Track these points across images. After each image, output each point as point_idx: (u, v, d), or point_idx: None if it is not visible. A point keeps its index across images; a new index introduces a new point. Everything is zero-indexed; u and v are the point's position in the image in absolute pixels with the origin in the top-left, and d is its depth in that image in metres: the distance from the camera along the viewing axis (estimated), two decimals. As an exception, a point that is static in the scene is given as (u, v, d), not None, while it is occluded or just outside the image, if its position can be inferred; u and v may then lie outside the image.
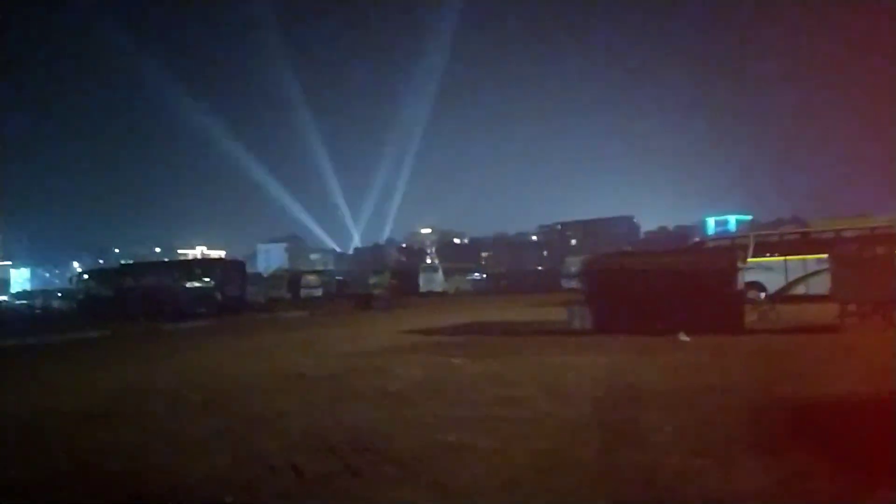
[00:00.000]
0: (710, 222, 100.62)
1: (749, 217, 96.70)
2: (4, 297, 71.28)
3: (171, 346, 14.84)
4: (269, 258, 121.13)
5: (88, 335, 18.97)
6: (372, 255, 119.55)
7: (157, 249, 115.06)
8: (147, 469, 4.72)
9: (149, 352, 14.03)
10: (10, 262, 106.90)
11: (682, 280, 12.41)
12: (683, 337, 11.30)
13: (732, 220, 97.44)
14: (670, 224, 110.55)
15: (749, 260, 20.41)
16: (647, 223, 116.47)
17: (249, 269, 54.94)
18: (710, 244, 22.71)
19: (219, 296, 26.37)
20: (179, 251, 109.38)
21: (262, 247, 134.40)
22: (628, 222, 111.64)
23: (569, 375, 8.11)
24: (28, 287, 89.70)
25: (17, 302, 60.64)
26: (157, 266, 31.16)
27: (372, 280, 40.72)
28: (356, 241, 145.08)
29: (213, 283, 26.71)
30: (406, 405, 6.62)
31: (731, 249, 19.12)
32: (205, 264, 32.21)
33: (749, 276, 19.38)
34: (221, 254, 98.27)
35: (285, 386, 8.20)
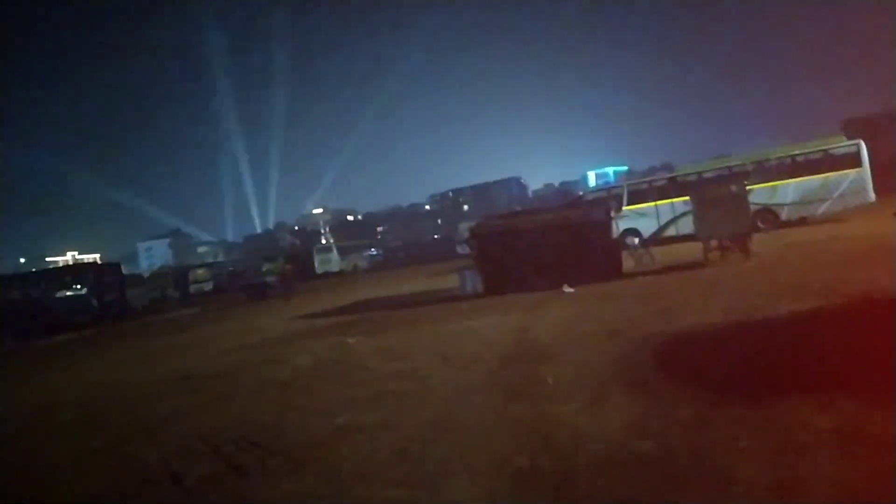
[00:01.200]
0: (591, 176, 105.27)
1: (626, 168, 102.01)
2: None
3: (41, 364, 13.68)
4: (152, 256, 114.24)
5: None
6: (264, 241, 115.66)
7: (22, 260, 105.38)
8: (16, 500, 4.33)
9: (14, 372, 12.87)
10: None
11: (562, 235, 12.92)
12: (567, 289, 11.82)
13: (611, 173, 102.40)
14: (556, 181, 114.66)
15: (624, 208, 21.66)
16: (535, 182, 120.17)
17: (132, 270, 51.56)
18: (589, 197, 23.77)
19: (95, 302, 24.52)
20: (48, 259, 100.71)
21: (142, 245, 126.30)
22: (516, 183, 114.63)
23: (461, 341, 8.27)
24: None
25: None
26: (21, 278, 28.44)
27: (265, 267, 39.40)
28: (250, 229, 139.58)
29: (86, 289, 24.78)
30: (297, 393, 6.48)
31: (605, 201, 20.11)
32: (75, 270, 29.68)
33: (625, 224, 20.60)
34: (95, 257, 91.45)
35: (168, 390, 7.79)
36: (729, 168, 20.97)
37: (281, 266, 37.45)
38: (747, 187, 13.99)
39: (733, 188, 13.23)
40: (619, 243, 14.04)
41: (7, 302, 25.47)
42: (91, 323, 23.53)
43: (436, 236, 77.67)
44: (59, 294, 24.86)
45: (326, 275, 44.20)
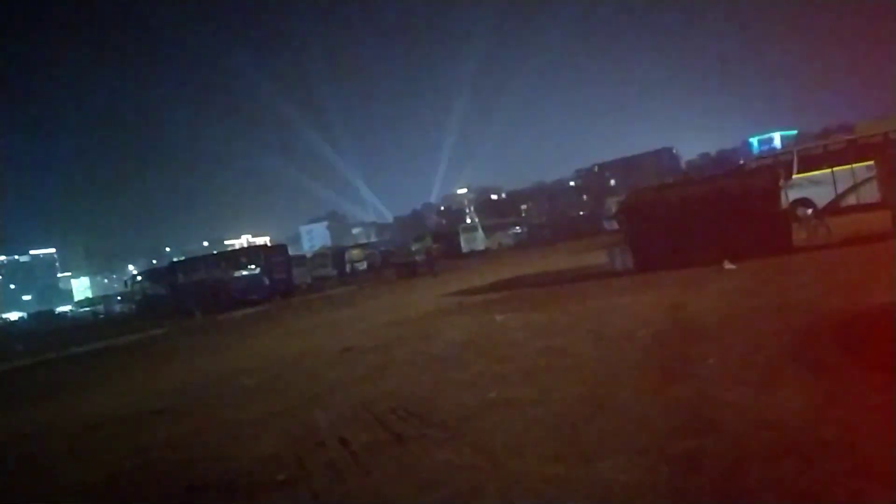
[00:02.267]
0: (754, 143, 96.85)
1: (794, 132, 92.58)
2: (69, 307, 74.59)
3: (224, 336, 15.31)
4: (313, 238, 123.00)
5: (148, 334, 19.73)
6: (412, 221, 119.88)
7: (206, 243, 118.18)
8: (203, 457, 4.92)
9: (204, 343, 14.51)
10: (69, 273, 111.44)
11: (722, 206, 12.04)
12: (728, 265, 11.03)
13: (777, 138, 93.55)
14: (712, 150, 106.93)
15: (794, 176, 19.69)
16: (689, 153, 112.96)
17: (295, 251, 55.89)
18: (752, 165, 21.88)
19: (266, 281, 26.96)
20: (226, 242, 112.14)
21: (304, 228, 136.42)
22: (668, 154, 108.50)
23: (611, 318, 8.04)
24: (89, 294, 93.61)
25: (81, 309, 63.43)
26: (205, 259, 31.95)
27: (414, 247, 40.90)
28: (391, 213, 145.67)
29: (259, 269, 27.28)
30: (450, 367, 6.68)
31: (771, 168, 18.41)
32: (250, 252, 32.85)
33: (795, 193, 18.73)
34: (266, 240, 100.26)
35: (334, 361, 8.38)
36: (921, 124, 18.26)
37: (428, 245, 38.69)
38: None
39: (930, 147, 11.53)
40: (789, 214, 12.81)
41: (195, 281, 28.78)
42: (264, 299, 25.90)
43: (581, 212, 75.92)
44: (237, 273, 27.61)
45: (472, 253, 44.94)
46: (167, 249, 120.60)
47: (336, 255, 50.26)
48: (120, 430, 6.50)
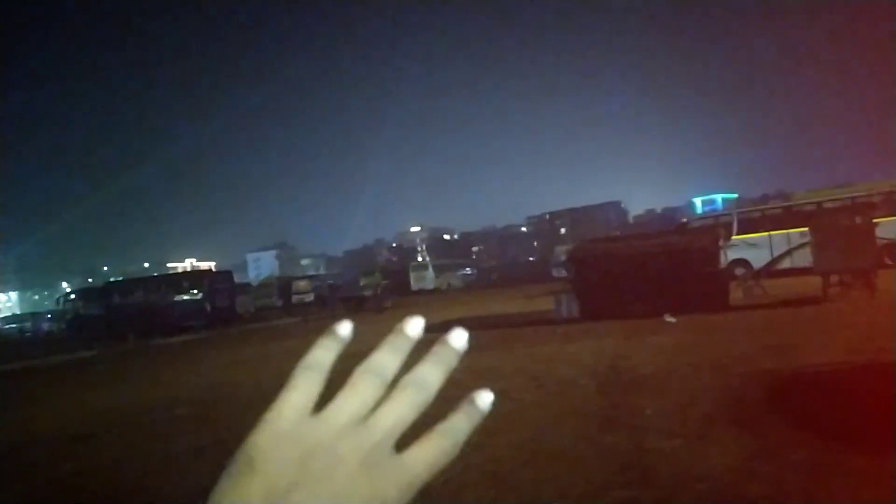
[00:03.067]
0: (698, 203, 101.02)
1: (735, 195, 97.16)
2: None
3: (159, 363, 14.75)
4: (260, 267, 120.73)
5: (76, 356, 18.82)
6: (362, 256, 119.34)
7: (146, 265, 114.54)
8: (126, 489, 4.68)
9: (136, 370, 13.93)
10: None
11: (665, 261, 12.46)
12: (669, 318, 11.36)
13: (719, 200, 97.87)
14: (658, 207, 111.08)
15: (734, 237, 20.59)
16: (636, 207, 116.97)
17: (241, 279, 54.68)
18: (695, 224, 22.80)
19: (208, 307, 26.22)
20: (169, 265, 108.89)
21: (251, 256, 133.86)
22: (616, 208, 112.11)
23: (556, 364, 8.14)
24: (17, 311, 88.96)
25: (6, 326, 60.07)
26: (144, 282, 30.89)
27: (363, 281, 40.62)
28: (348, 244, 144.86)
29: (201, 295, 26.54)
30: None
31: (713, 228, 19.24)
32: (192, 277, 31.95)
33: (734, 254, 19.57)
34: (211, 265, 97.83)
35: (272, 393, 8.15)
36: (851, 198, 19.49)
37: (377, 281, 38.49)
38: (874, 220, 12.94)
39: (858, 219, 12.28)
40: (727, 274, 13.36)
41: (131, 304, 27.73)
42: (204, 326, 25.12)
43: (531, 258, 77.11)
44: (176, 298, 26.78)
45: (421, 292, 44.91)
46: (105, 269, 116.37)
47: (283, 285, 49.32)
48: (38, 456, 6.14)
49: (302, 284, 49.81)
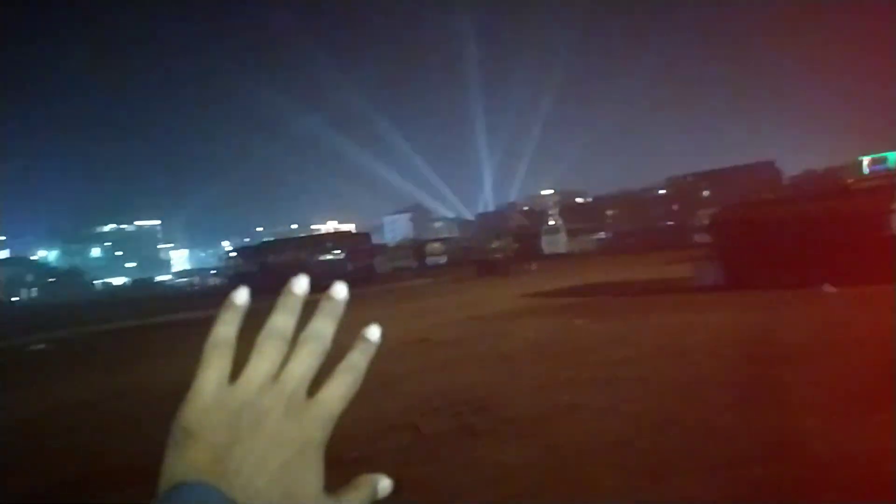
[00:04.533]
0: (865, 162, 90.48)
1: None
2: (168, 276, 79.52)
3: (303, 318, 15.92)
4: (396, 229, 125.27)
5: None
6: (495, 219, 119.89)
7: (294, 226, 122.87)
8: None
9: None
10: (171, 245, 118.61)
11: (825, 227, 11.39)
12: (829, 288, 10.44)
13: (892, 157, 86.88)
14: (819, 167, 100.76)
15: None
16: (793, 168, 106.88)
17: (378, 241, 57.20)
18: (862, 185, 20.50)
19: (349, 267, 27.78)
20: (313, 227, 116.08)
21: (387, 218, 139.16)
22: (769, 168, 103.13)
23: (691, 335, 7.81)
24: (187, 266, 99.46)
25: (178, 280, 67.52)
26: (293, 241, 33.29)
27: (494, 244, 40.95)
28: (481, 207, 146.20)
29: (343, 254, 28.15)
30: (524, 367, 6.72)
31: (884, 189, 17.20)
32: (335, 238, 33.95)
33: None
34: (351, 227, 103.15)
35: (409, 350, 8.58)
36: None
37: (509, 244, 38.59)
38: None
39: None
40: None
41: (282, 261, 30.05)
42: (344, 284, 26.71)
43: (670, 222, 73.46)
44: (321, 257, 28.61)
45: (553, 256, 44.45)
46: (259, 229, 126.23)
47: (417, 247, 51.03)
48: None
49: (435, 247, 51.28)
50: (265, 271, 30.86)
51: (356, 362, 0.43)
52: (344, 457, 4.26)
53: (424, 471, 3.84)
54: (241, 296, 0.43)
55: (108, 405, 7.07)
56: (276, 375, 0.41)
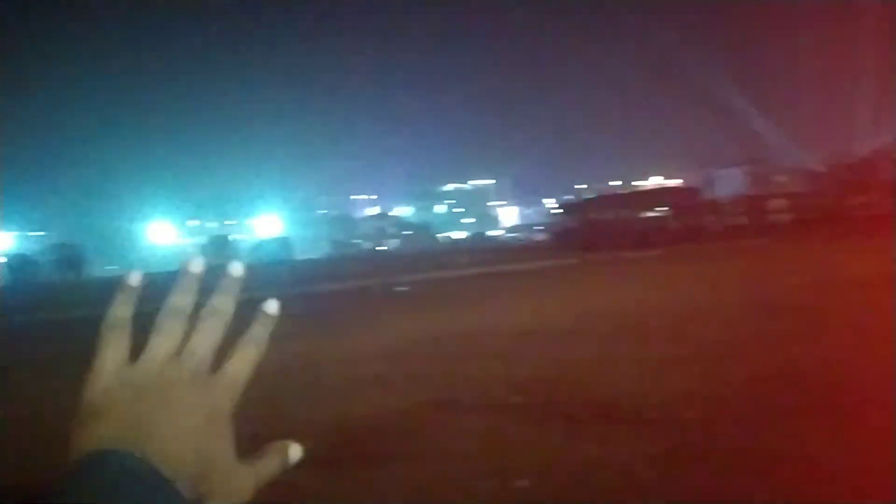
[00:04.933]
0: None
1: None
2: (499, 231, 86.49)
3: (628, 274, 15.79)
4: (728, 184, 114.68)
5: (561, 263, 21.65)
6: (857, 170, 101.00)
7: (617, 183, 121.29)
8: (611, 384, 5.30)
9: (608, 279, 15.22)
10: (503, 203, 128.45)
11: None
12: None
13: None
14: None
15: None
16: None
17: (710, 196, 53.09)
18: None
19: (674, 224, 26.58)
20: (634, 183, 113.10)
21: (718, 173, 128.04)
22: None
23: None
24: (515, 222, 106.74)
25: (507, 235, 73.02)
26: (616, 198, 33.12)
27: (854, 201, 34.69)
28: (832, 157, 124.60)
29: (667, 212, 27.03)
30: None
31: None
32: (659, 194, 32.75)
33: None
34: (678, 183, 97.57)
35: (746, 315, 7.92)
36: None
37: (876, 199, 32.22)
38: None
39: None
40: None
41: (604, 218, 30.18)
42: (670, 242, 25.67)
43: None
44: (644, 214, 27.93)
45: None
46: (581, 186, 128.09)
47: (752, 203, 46.04)
48: (546, 341, 7.38)
49: (776, 203, 45.55)
50: (587, 228, 31.43)
51: (258, 335, 0.44)
52: (682, 416, 4.20)
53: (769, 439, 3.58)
54: (135, 279, 0.44)
55: (460, 339, 7.97)
56: (180, 351, 0.42)
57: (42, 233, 63.75)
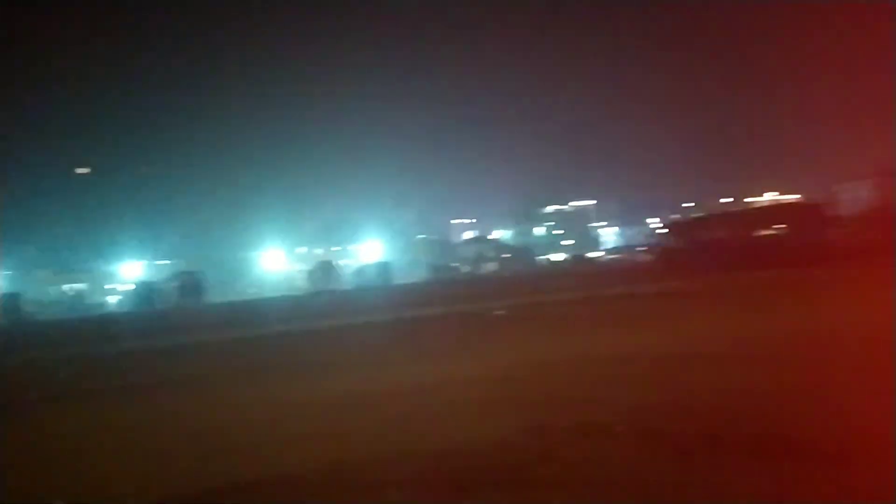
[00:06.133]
0: None
1: None
2: (601, 253, 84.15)
3: (748, 300, 14.65)
4: (856, 198, 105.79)
5: (670, 286, 20.47)
6: None
7: (727, 200, 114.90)
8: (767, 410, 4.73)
9: (731, 304, 14.11)
10: (604, 223, 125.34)
11: None
12: None
13: None
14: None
15: None
16: None
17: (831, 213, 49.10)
18: None
19: (795, 243, 24.60)
20: (747, 200, 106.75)
21: (842, 187, 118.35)
22: None
23: None
24: (618, 243, 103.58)
25: (609, 256, 70.93)
26: (727, 216, 31.24)
27: None
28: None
29: (785, 230, 25.09)
30: None
31: None
32: (775, 211, 30.54)
33: None
34: (796, 198, 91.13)
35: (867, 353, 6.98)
36: None
37: None
38: None
39: None
40: None
41: (715, 238, 28.51)
42: (788, 262, 23.73)
43: None
44: (759, 233, 26.08)
45: None
46: (691, 205, 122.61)
47: (884, 217, 41.99)
48: (653, 370, 6.83)
49: (913, 217, 41.31)
50: (695, 248, 29.72)
51: None
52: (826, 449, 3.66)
53: None
54: None
55: (559, 368, 7.59)
56: None
57: (168, 261, 68.96)
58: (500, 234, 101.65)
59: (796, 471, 3.50)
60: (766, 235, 25.94)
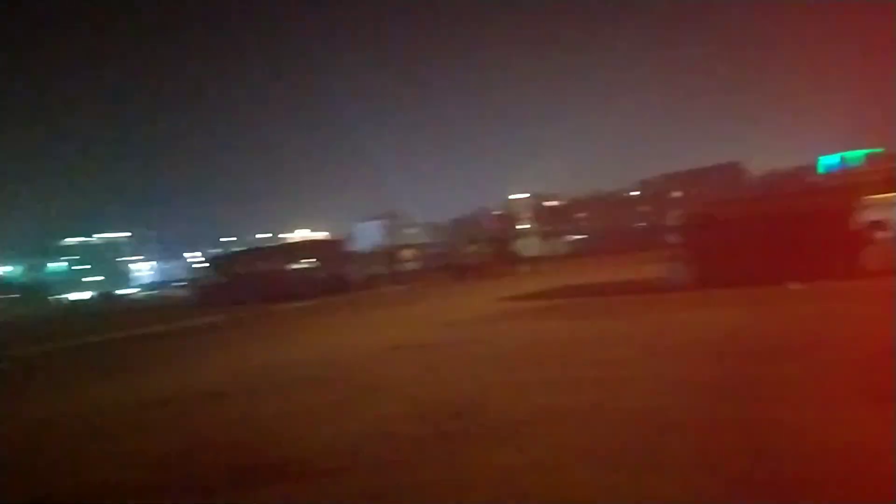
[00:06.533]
0: (830, 160, 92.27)
1: (880, 150, 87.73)
2: (134, 290, 77.93)
3: (280, 327, 15.68)
4: (367, 236, 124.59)
5: (207, 321, 20.35)
6: (468, 224, 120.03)
7: (266, 235, 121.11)
8: (255, 441, 5.04)
9: (261, 333, 14.89)
10: (139, 257, 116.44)
11: (790, 225, 11.63)
12: (795, 286, 10.62)
13: (857, 156, 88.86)
14: (784, 166, 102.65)
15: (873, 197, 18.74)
16: (759, 167, 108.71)
17: (351, 248, 56.81)
18: (826, 183, 21.01)
19: (323, 275, 27.45)
20: (281, 235, 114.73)
21: (360, 225, 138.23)
22: (733, 168, 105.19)
23: (668, 333, 7.88)
24: (154, 279, 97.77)
25: (143, 293, 66.21)
26: (264, 251, 32.85)
27: (467, 250, 40.97)
28: (453, 213, 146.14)
29: (316, 263, 27.82)
30: (501, 371, 6.66)
31: (849, 187, 17.62)
32: (307, 246, 33.61)
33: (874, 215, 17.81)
34: (324, 235, 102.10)
35: (383, 357, 8.47)
36: None
37: (483, 249, 38.64)
38: None
39: None
40: (864, 237, 12.21)
41: (252, 272, 29.58)
42: (318, 293, 26.35)
43: (643, 224, 74.40)
44: (293, 266, 28.21)
45: (527, 259, 44.65)
46: (228, 239, 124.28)
47: (389, 254, 50.81)
48: (181, 409, 6.71)
49: (408, 253, 51.13)
50: (236, 282, 30.29)
51: None
52: (321, 467, 4.15)
53: (403, 480, 3.75)
54: None
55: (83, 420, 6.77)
56: None
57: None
58: (6, 269, 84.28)
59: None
60: (298, 269, 28.22)
